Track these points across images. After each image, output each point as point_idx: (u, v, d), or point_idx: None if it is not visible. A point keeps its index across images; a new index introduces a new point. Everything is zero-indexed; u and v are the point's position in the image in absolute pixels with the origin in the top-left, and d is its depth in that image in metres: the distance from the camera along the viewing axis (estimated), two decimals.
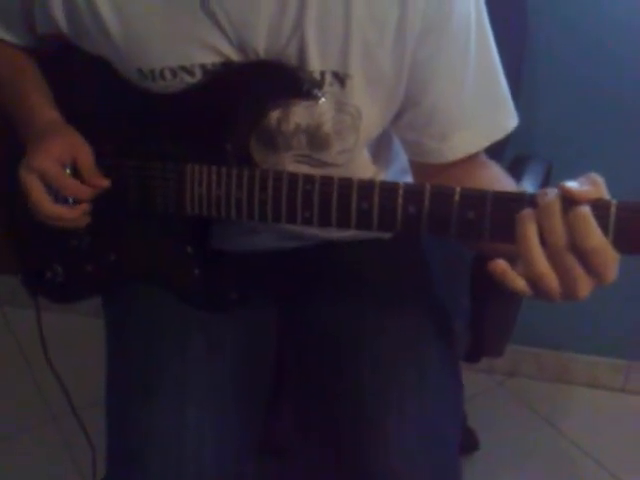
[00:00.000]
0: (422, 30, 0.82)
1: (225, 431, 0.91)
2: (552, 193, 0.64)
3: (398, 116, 0.90)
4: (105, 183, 0.92)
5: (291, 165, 0.93)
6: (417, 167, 0.95)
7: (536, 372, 1.83)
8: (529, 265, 0.64)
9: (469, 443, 1.59)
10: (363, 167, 0.98)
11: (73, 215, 0.91)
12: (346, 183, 0.78)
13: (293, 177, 0.81)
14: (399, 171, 1.03)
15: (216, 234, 0.95)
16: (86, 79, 0.96)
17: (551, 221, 0.63)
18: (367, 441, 0.88)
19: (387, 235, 1.01)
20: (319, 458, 0.98)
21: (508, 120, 0.91)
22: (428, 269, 1.08)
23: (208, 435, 0.90)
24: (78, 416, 1.14)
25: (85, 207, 0.92)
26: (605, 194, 0.65)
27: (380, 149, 1.00)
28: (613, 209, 0.63)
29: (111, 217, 0.96)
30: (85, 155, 0.91)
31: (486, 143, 0.90)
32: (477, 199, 0.71)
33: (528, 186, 1.08)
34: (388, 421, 0.89)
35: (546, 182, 1.12)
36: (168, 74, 0.87)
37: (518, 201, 0.68)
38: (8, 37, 0.99)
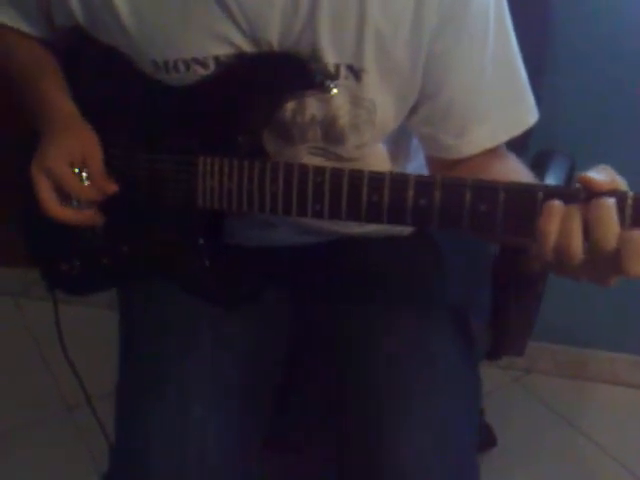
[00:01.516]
0: (439, 23, 0.81)
1: (229, 430, 0.91)
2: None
3: (414, 110, 0.89)
4: (112, 188, 0.92)
5: (307, 158, 0.93)
6: (433, 160, 0.94)
7: (553, 368, 1.82)
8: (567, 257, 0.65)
9: (486, 439, 1.59)
10: (379, 162, 0.96)
11: (78, 218, 0.92)
12: (357, 174, 0.77)
13: (303, 169, 0.80)
14: (418, 168, 1.02)
15: (234, 229, 0.95)
16: (101, 70, 0.96)
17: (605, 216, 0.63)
18: (378, 442, 0.87)
19: (407, 231, 1.00)
20: (325, 458, 0.97)
21: (527, 115, 0.89)
22: (445, 267, 1.06)
23: (212, 433, 0.89)
24: (93, 407, 1.14)
25: (91, 213, 0.93)
26: (620, 184, 0.66)
27: (398, 145, 0.99)
28: (630, 201, 0.64)
29: (124, 209, 0.95)
30: (95, 157, 0.92)
31: (505, 138, 0.88)
32: (489, 190, 0.70)
33: (552, 181, 1.06)
34: (400, 422, 0.87)
35: (570, 177, 1.11)
36: (182, 66, 0.87)
37: (531, 192, 0.68)
38: (26, 28, 0.99)
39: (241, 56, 0.85)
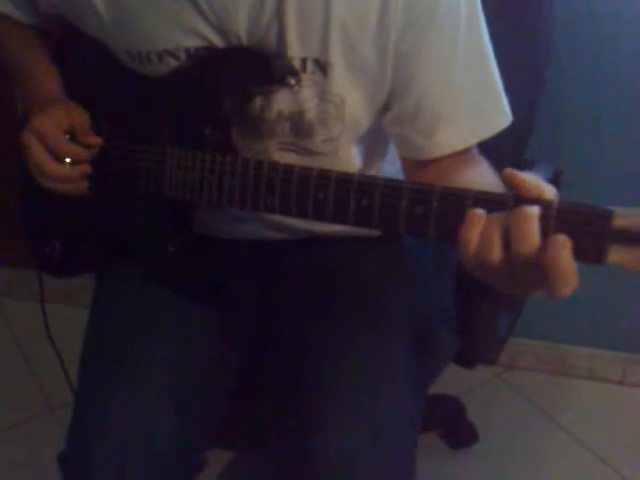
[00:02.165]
0: (405, 22, 0.81)
1: (180, 420, 0.94)
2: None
3: (385, 108, 0.90)
4: (98, 140, 0.94)
5: (276, 153, 0.94)
6: (406, 161, 0.94)
7: (535, 364, 1.83)
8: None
9: (468, 436, 1.60)
10: (349, 158, 0.97)
11: (73, 174, 0.94)
12: (309, 173, 0.77)
13: (259, 164, 0.81)
14: (390, 166, 1.03)
15: (203, 220, 0.97)
16: (84, 60, 0.99)
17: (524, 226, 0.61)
18: (312, 439, 0.89)
19: (376, 232, 1.00)
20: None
21: (499, 118, 0.89)
22: (409, 270, 1.06)
23: (161, 420, 0.93)
24: None
25: (84, 169, 0.94)
26: (547, 192, 0.63)
27: (374, 145, 0.99)
28: (554, 211, 0.61)
29: (102, 194, 0.98)
30: (81, 118, 0.95)
31: (473, 140, 0.88)
32: (425, 194, 0.68)
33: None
34: (336, 420, 0.89)
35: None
36: (154, 57, 0.89)
37: (461, 198, 0.66)
38: (17, 14, 1.02)
39: (209, 49, 0.87)
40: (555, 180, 1.12)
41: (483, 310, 1.09)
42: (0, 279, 2.07)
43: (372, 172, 1.00)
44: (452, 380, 1.46)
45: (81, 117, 0.95)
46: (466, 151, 0.89)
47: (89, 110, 0.96)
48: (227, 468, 1.52)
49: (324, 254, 1.04)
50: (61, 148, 0.92)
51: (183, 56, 0.88)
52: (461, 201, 0.66)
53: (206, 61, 0.87)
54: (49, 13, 0.98)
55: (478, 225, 0.64)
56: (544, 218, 0.61)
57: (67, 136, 0.93)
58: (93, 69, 0.98)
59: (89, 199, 0.97)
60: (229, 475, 1.51)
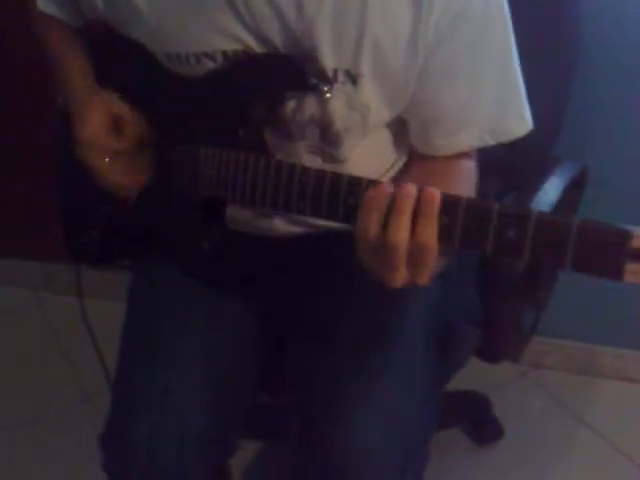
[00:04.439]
0: (435, 39, 0.84)
1: (211, 408, 0.99)
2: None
3: (406, 111, 0.92)
4: (135, 123, 1.00)
5: (306, 155, 0.96)
6: (413, 147, 0.97)
7: (561, 363, 1.83)
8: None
9: (493, 432, 1.61)
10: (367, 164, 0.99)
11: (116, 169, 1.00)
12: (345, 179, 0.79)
13: (291, 167, 0.83)
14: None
15: (232, 215, 0.99)
16: (121, 60, 1.02)
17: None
18: (332, 424, 0.92)
19: None
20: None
21: (519, 125, 0.91)
22: None
23: (192, 410, 0.97)
24: None
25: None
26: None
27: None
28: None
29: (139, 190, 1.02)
30: (119, 107, 1.00)
31: (491, 142, 0.91)
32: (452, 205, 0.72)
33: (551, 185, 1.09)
34: (355, 407, 0.91)
35: (577, 184, 1.13)
36: (192, 59, 0.92)
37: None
38: (60, 15, 1.05)
39: (246, 54, 0.89)
40: (581, 178, 1.13)
41: (506, 305, 1.10)
42: (39, 273, 2.11)
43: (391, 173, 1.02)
44: (478, 377, 1.48)
45: (119, 104, 1.00)
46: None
47: None
48: (257, 456, 1.56)
49: (348, 248, 1.06)
50: (116, 149, 0.99)
51: (220, 58, 0.90)
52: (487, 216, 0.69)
53: (242, 64, 0.90)
54: (91, 16, 1.01)
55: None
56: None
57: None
58: (130, 69, 1.01)
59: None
60: (258, 462, 1.54)
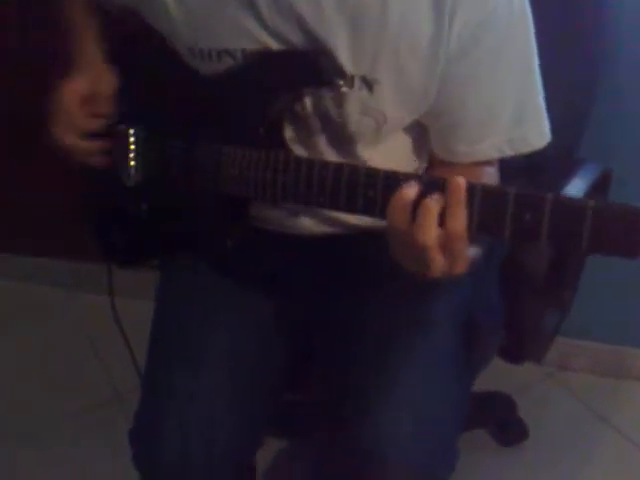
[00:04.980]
0: (457, 50, 0.84)
1: (237, 406, 1.00)
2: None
3: (426, 117, 0.93)
4: (106, 111, 1.01)
5: (324, 150, 0.97)
6: (433, 153, 0.98)
7: (589, 366, 1.82)
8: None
9: (518, 433, 1.60)
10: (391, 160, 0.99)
11: (82, 148, 1.02)
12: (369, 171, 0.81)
13: (310, 163, 0.85)
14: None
15: (258, 214, 1.01)
16: (143, 54, 1.04)
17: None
18: (360, 420, 0.92)
19: None
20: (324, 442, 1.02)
21: (537, 137, 0.91)
22: None
23: (219, 409, 0.99)
24: None
25: (97, 145, 1.02)
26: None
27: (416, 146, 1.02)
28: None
29: (161, 189, 1.03)
30: (106, 86, 1.02)
31: (509, 152, 0.91)
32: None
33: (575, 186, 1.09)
34: (383, 403, 0.92)
35: (600, 186, 1.13)
36: (214, 55, 0.93)
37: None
38: None
39: (264, 51, 0.90)
40: (603, 180, 1.13)
41: (529, 306, 1.11)
42: (70, 273, 2.14)
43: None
44: (504, 378, 1.48)
45: (105, 82, 1.01)
46: None
47: (145, 106, 1.02)
48: (279, 452, 1.57)
49: (373, 247, 1.06)
50: (71, 117, 1.00)
51: (239, 56, 0.91)
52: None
53: (260, 62, 0.91)
54: (120, 5, 1.02)
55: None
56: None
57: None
58: (151, 66, 1.03)
59: (149, 194, 1.04)
60: (280, 458, 1.56)
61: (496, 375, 1.27)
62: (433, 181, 0.75)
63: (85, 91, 1.01)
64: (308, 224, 1.03)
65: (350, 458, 0.93)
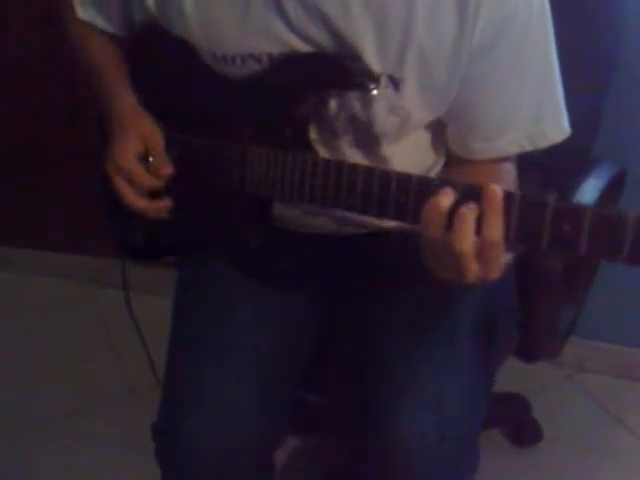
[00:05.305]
0: (480, 47, 0.85)
1: (260, 403, 1.00)
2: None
3: (447, 113, 0.93)
4: (169, 171, 1.00)
5: (348, 150, 0.97)
6: (450, 150, 0.98)
7: (605, 367, 1.81)
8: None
9: (533, 434, 1.60)
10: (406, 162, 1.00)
11: (153, 209, 1.01)
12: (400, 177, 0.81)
13: (339, 165, 0.85)
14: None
15: (278, 213, 1.01)
16: (167, 58, 1.03)
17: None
18: (384, 419, 0.92)
19: None
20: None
21: (557, 131, 0.92)
22: None
23: (246, 401, 0.99)
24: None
25: (164, 204, 1.01)
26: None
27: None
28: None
29: (183, 190, 1.03)
30: (155, 140, 1.00)
31: (529, 147, 0.92)
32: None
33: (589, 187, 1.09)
34: (406, 402, 0.92)
35: (615, 185, 1.12)
36: (238, 60, 0.94)
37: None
38: (102, 22, 1.07)
39: (292, 54, 0.90)
40: (618, 179, 1.13)
41: (543, 305, 1.10)
42: (89, 268, 2.15)
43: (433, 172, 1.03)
44: (519, 379, 1.48)
45: (155, 139, 1.00)
46: None
47: (168, 108, 1.01)
48: (296, 449, 1.58)
49: (393, 247, 1.06)
50: (141, 183, 0.99)
51: (266, 60, 0.92)
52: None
53: (287, 65, 0.91)
54: (141, 21, 1.02)
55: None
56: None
57: (144, 161, 0.99)
58: (173, 67, 1.03)
59: (172, 194, 1.03)
60: (298, 456, 1.56)
61: (512, 376, 1.26)
62: (469, 188, 0.73)
63: (139, 148, 1.00)
64: (326, 223, 1.04)
65: (375, 458, 0.93)
